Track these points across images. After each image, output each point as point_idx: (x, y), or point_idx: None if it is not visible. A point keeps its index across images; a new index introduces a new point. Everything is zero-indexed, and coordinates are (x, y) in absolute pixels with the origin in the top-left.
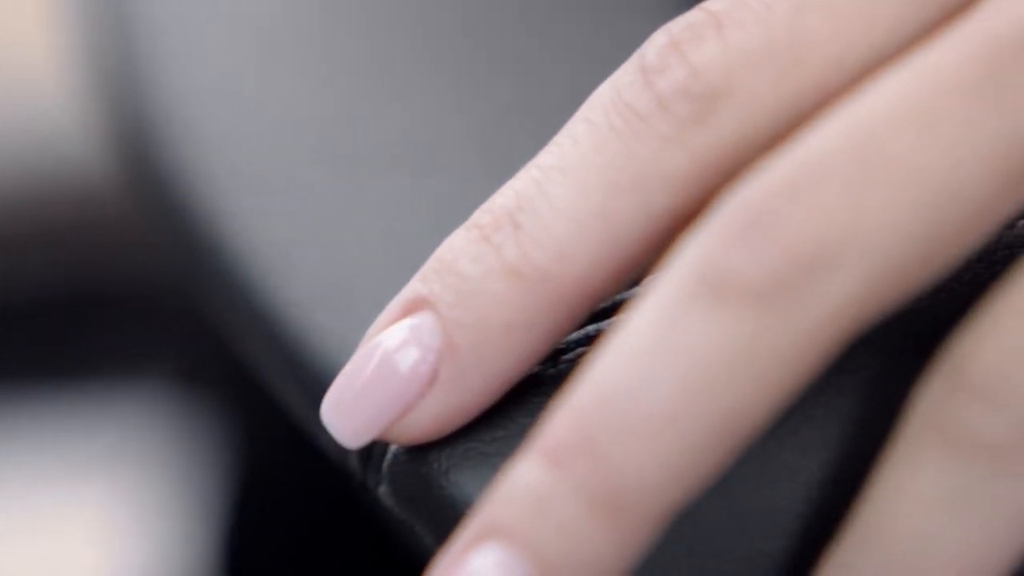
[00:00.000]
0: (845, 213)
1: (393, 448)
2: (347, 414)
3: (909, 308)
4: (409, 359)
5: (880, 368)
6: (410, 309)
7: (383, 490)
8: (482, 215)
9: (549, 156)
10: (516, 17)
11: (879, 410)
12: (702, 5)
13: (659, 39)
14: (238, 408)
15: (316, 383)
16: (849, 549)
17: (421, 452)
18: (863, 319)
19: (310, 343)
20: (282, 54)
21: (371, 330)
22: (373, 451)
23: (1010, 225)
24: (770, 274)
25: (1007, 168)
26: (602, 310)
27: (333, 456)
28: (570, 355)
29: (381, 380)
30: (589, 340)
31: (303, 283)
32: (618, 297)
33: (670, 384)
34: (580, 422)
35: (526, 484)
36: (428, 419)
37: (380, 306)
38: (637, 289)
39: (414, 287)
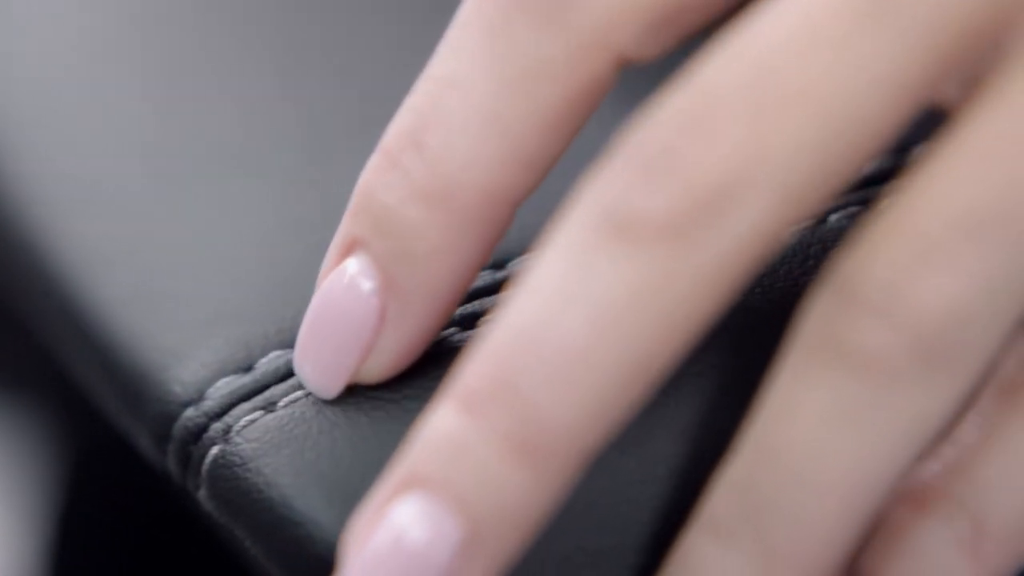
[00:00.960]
0: (743, 145)
1: (213, 451)
2: (315, 365)
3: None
4: (358, 300)
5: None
6: (346, 251)
7: (202, 493)
8: (387, 139)
9: (438, 66)
10: (335, 16)
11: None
12: None
13: None
14: (61, 411)
15: (132, 386)
16: (741, 465)
17: (240, 455)
18: (768, 247)
19: (125, 345)
20: (94, 52)
21: (320, 278)
22: (192, 455)
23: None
24: (674, 211)
25: (899, 84)
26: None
27: (153, 460)
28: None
29: (338, 324)
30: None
31: (118, 285)
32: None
33: (581, 325)
34: (493, 367)
35: (443, 432)
36: (388, 357)
37: (195, 308)
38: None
39: (345, 228)
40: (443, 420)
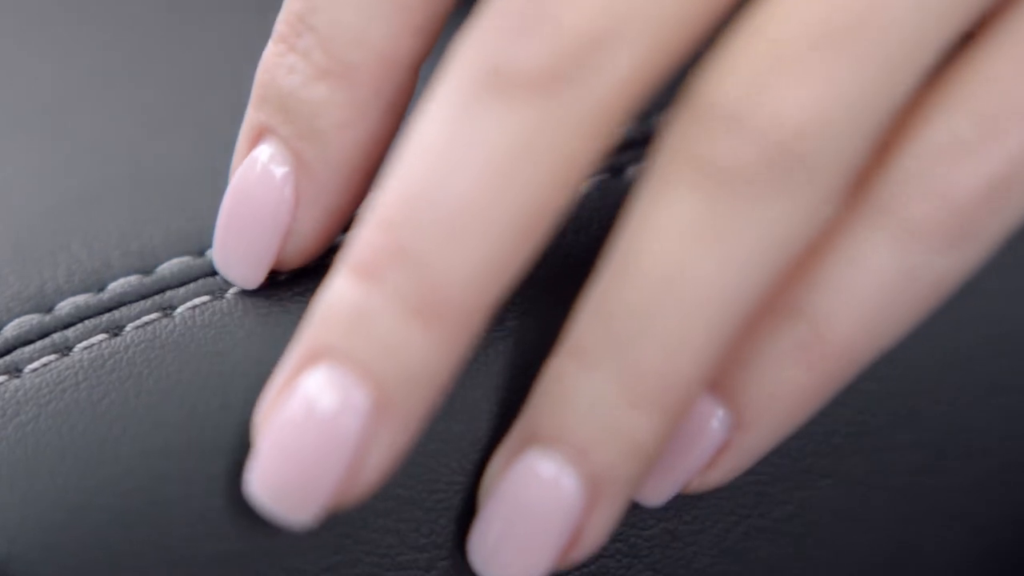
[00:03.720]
0: None
1: None
2: (236, 258)
3: None
4: (272, 184)
5: None
6: (255, 139)
7: None
8: (280, 26)
9: None
10: None
11: None
12: None
13: None
14: None
15: None
16: (605, 286)
17: None
18: (643, 93)
19: None
20: None
21: (231, 171)
22: None
23: None
24: (547, 63)
25: None
26: None
27: None
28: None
29: (254, 212)
30: None
31: None
32: None
33: (467, 182)
34: (386, 234)
35: (343, 302)
36: (306, 239)
37: None
38: None
39: (251, 117)
40: (341, 290)
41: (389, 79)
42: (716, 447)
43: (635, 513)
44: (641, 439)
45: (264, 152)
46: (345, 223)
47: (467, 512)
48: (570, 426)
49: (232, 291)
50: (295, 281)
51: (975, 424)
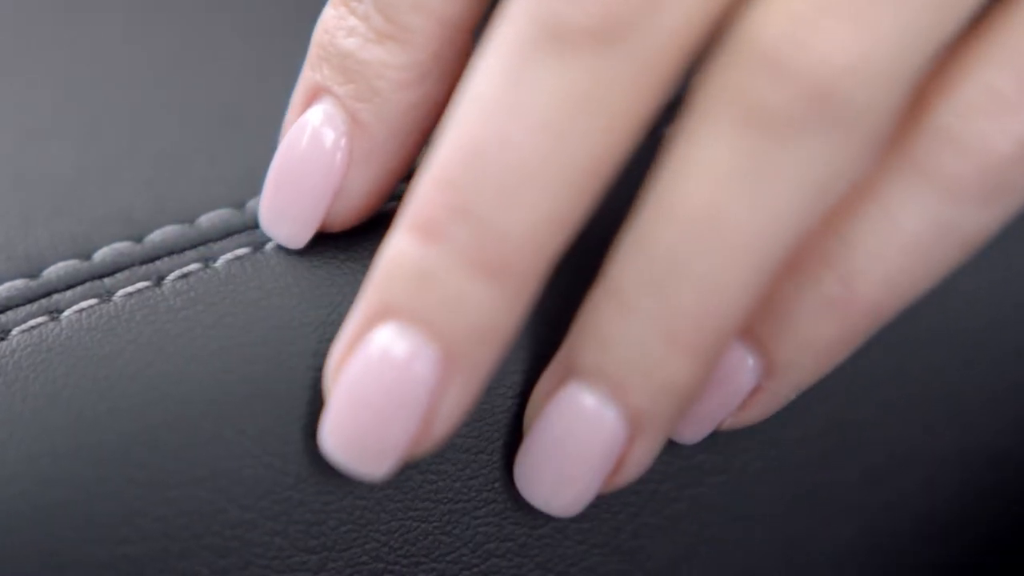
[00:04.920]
0: None
1: None
2: (285, 215)
3: None
4: (326, 143)
5: None
6: (310, 99)
7: None
8: None
9: None
10: None
11: None
12: None
13: None
14: None
15: None
16: (643, 227)
17: None
18: (697, 45)
19: None
20: None
21: (283, 129)
22: None
23: None
24: (604, 15)
25: None
26: None
27: None
28: None
29: (306, 169)
30: None
31: None
32: None
33: (525, 137)
34: (444, 190)
35: (406, 260)
36: (355, 199)
37: None
38: None
39: (307, 77)
40: (404, 248)
41: (447, 42)
42: (746, 392)
43: (524, 512)
44: (678, 380)
45: (319, 111)
46: (395, 185)
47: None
48: (610, 364)
49: (271, 244)
50: (336, 239)
51: (858, 418)
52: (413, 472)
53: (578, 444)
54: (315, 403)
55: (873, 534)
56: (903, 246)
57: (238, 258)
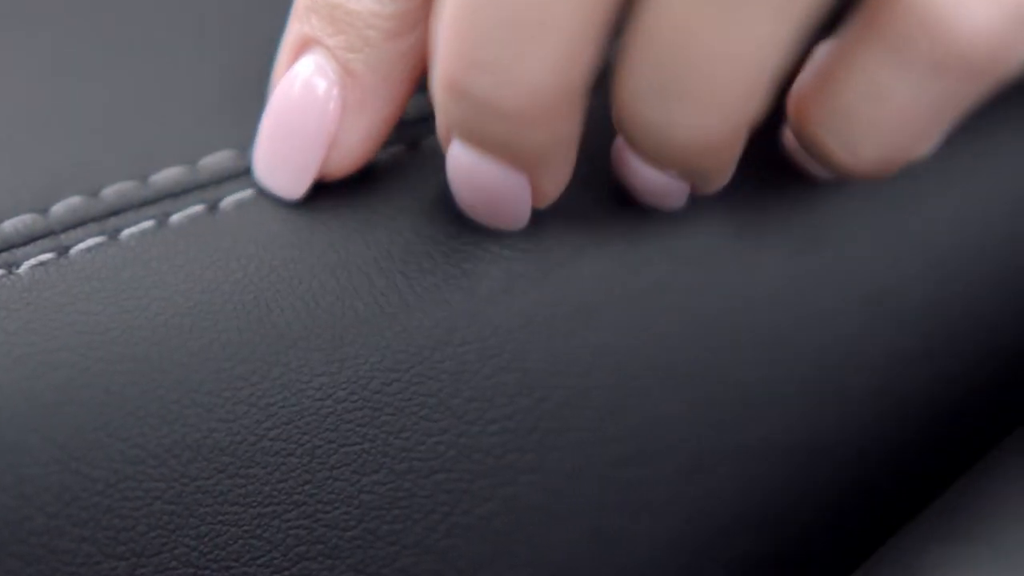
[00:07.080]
0: None
1: None
2: (280, 168)
3: None
4: (318, 93)
5: None
6: (299, 50)
7: None
8: None
9: None
10: None
11: None
12: None
13: None
14: None
15: None
16: (629, 47)
17: None
18: None
19: None
20: None
21: (273, 82)
22: None
23: None
24: None
25: None
26: None
27: None
28: None
29: (299, 120)
30: None
31: None
32: None
33: None
34: (464, 44)
35: (446, 118)
36: (351, 148)
37: None
38: None
39: (294, 29)
40: (445, 105)
41: None
42: None
43: (336, 514)
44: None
45: (309, 62)
46: (389, 133)
47: None
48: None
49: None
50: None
51: (669, 415)
52: (221, 476)
53: None
54: (123, 409)
55: (689, 528)
56: (894, 121)
57: (41, 264)
